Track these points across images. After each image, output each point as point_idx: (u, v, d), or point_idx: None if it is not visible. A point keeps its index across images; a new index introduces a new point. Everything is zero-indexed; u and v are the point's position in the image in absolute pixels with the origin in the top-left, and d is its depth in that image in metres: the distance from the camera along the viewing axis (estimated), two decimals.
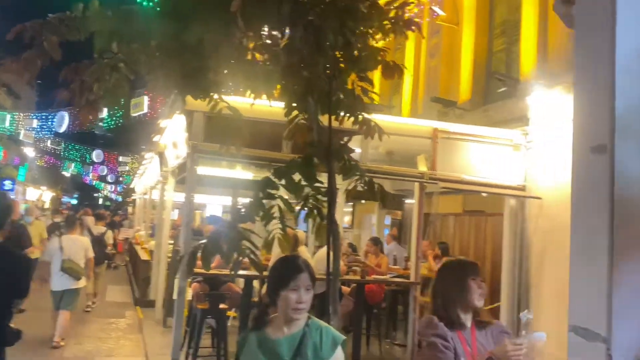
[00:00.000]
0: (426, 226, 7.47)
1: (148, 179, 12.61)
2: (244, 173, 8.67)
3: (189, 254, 3.17)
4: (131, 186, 23.62)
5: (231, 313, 6.52)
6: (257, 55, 3.43)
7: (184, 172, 7.15)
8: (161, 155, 9.47)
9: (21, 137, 25.79)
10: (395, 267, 8.12)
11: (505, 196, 6.97)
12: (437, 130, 6.80)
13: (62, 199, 46.27)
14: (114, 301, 10.06)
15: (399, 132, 6.45)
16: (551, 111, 6.72)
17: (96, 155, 31.02)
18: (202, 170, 7.37)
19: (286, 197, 3.07)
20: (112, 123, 14.73)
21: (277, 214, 3.18)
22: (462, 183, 6.69)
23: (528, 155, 7.10)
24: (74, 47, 3.37)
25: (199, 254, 2.96)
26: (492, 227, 8.11)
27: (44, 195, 32.85)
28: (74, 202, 55.67)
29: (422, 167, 6.86)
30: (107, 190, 60.93)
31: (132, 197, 33.76)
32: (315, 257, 6.87)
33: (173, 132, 7.09)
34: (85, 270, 7.00)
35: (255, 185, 8.88)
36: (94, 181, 50.84)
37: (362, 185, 3.42)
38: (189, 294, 6.27)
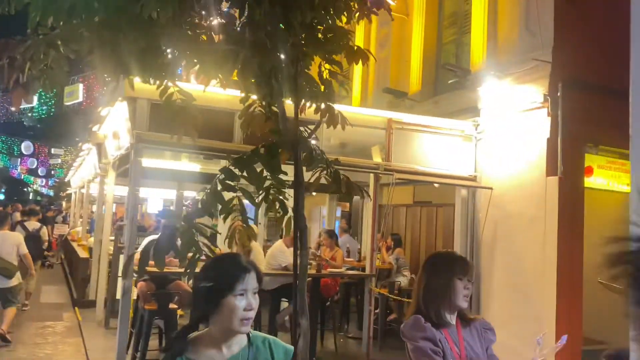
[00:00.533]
0: (380, 218, 7.39)
1: (85, 171, 11.88)
2: (190, 165, 8.30)
3: (142, 252, 2.88)
4: (65, 180, 22.38)
5: (180, 312, 6.18)
6: (214, 36, 3.17)
7: (125, 164, 6.71)
8: (100, 147, 8.90)
9: None
10: (349, 259, 8.02)
11: (458, 186, 7.00)
12: (392, 121, 6.73)
13: None
14: (49, 302, 9.40)
15: (353, 122, 6.31)
16: (501, 102, 6.80)
17: (25, 147, 29.12)
18: (146, 162, 6.96)
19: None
20: (44, 112, 13.73)
21: (236, 207, 2.98)
22: (417, 174, 6.66)
23: (479, 145, 7.16)
24: (2, 22, 2.98)
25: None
26: (442, 218, 8.18)
27: None
28: (1, 197, 52.32)
29: (377, 158, 6.77)
30: (38, 184, 57.56)
31: (67, 192, 32.09)
32: (269, 251, 6.65)
33: (114, 121, 6.63)
34: (17, 268, 6.73)
35: (205, 177, 8.62)
36: (23, 175, 47.88)
37: (326, 176, 3.25)
38: (134, 294, 5.89)
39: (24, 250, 6.95)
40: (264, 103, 3.15)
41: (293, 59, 2.73)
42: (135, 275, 5.41)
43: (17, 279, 6.78)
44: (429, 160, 6.89)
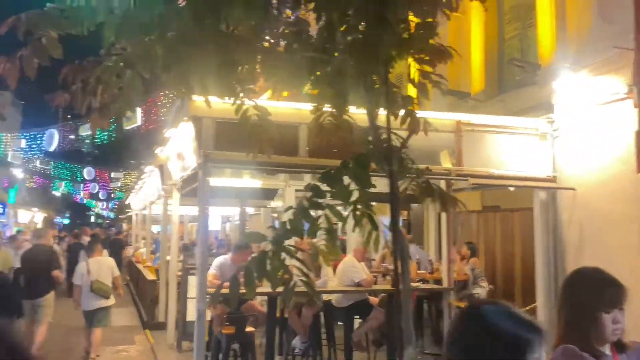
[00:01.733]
0: (455, 226, 7.04)
1: (146, 193, 12.08)
2: (252, 181, 8.21)
3: (232, 279, 2.69)
4: (126, 202, 23.06)
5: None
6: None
7: (190, 184, 6.67)
8: (162, 168, 8.97)
9: (9, 159, 25.13)
10: (421, 271, 7.67)
11: (537, 189, 6.55)
12: (461, 123, 6.38)
13: (54, 220, 45.44)
14: (120, 325, 9.51)
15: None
16: (578, 96, 6.33)
17: (87, 172, 30.28)
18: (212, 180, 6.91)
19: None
20: (105, 138, 14.16)
21: (324, 225, 2.77)
22: (493, 178, 6.27)
23: (555, 143, 6.70)
24: (73, 44, 2.90)
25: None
26: (519, 223, 7.70)
27: (36, 216, 32.11)
28: (66, 221, 54.77)
29: (447, 163, 6.43)
30: (99, 207, 59.97)
31: (127, 214, 33.14)
32: (339, 267, 6.41)
33: (177, 143, 6.61)
34: (112, 289, 7.32)
35: (267, 193, 8.41)
36: (85, 199, 49.93)
37: (414, 186, 2.99)
38: (208, 316, 5.78)
39: (117, 272, 7.49)
40: (334, 112, 2.96)
41: (385, 61, 2.50)
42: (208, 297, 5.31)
43: (112, 300, 7.31)
44: (503, 162, 6.48)
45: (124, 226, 34.82)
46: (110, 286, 7.21)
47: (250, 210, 14.87)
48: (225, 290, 5.92)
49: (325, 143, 3.22)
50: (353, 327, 6.41)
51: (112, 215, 61.90)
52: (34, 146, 17.67)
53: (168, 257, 9.04)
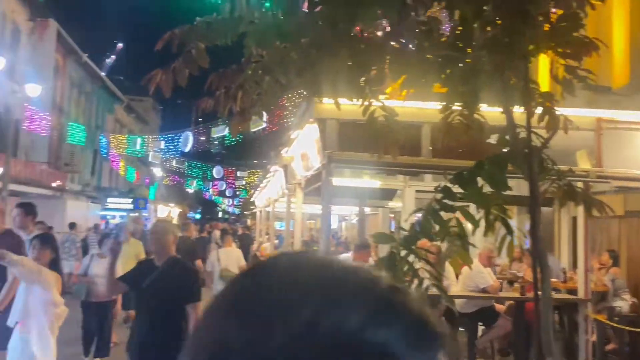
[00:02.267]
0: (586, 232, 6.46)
1: (271, 191, 12.67)
2: (371, 181, 8.25)
3: None
4: (250, 199, 24.37)
5: None
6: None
7: (313, 183, 6.87)
8: (286, 168, 9.35)
9: (150, 159, 27.82)
10: (553, 280, 7.15)
11: None
12: (602, 120, 5.84)
13: (187, 214, 49.46)
14: None
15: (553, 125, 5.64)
16: None
17: (216, 171, 32.59)
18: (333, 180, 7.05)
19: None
20: (233, 140, 15.15)
21: (454, 228, 2.69)
22: (638, 180, 5.67)
23: None
24: (215, 54, 3.13)
25: None
26: None
27: (173, 211, 35.24)
28: (198, 216, 59.32)
29: (584, 164, 5.93)
30: (225, 204, 64.08)
31: (252, 210, 35.02)
32: (463, 271, 6.20)
33: (302, 144, 6.85)
34: None
35: (386, 193, 8.39)
36: (214, 196, 53.65)
37: (555, 189, 2.80)
38: None
39: (243, 262, 8.27)
40: (464, 111, 2.87)
41: (524, 56, 2.38)
42: None
43: None
44: None
45: (248, 221, 36.88)
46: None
47: (366, 210, 14.93)
48: None
49: (454, 143, 3.14)
50: (477, 334, 6.17)
51: (237, 211, 65.82)
52: (171, 147, 19.40)
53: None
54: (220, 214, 72.48)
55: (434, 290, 2.58)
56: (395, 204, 9.85)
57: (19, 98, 14.65)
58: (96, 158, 27.07)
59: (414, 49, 2.91)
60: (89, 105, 27.68)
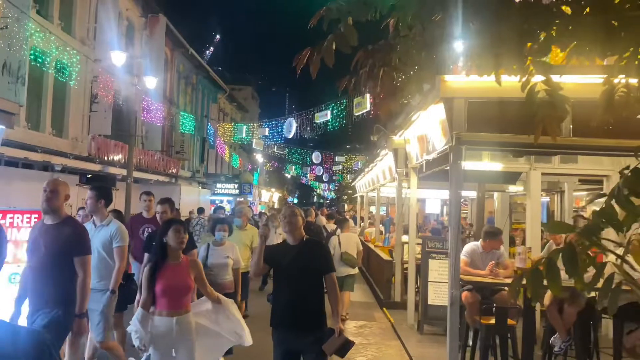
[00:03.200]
0: None
1: (375, 176, 12.48)
2: (492, 164, 7.74)
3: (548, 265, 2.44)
4: (352, 184, 24.36)
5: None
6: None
7: (433, 167, 6.57)
8: (396, 152, 9.10)
9: (253, 146, 28.74)
10: None
11: None
12: None
13: (287, 199, 50.90)
14: (358, 301, 10.05)
15: None
16: None
17: (315, 156, 33.05)
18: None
19: None
20: (337, 125, 15.12)
21: None
22: None
23: None
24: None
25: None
26: None
27: (274, 196, 36.29)
28: (295, 201, 60.74)
29: None
30: (321, 188, 65.05)
31: (350, 195, 35.07)
32: None
33: (421, 126, 6.56)
34: (357, 260, 8.59)
35: (508, 176, 7.79)
36: (310, 181, 54.61)
37: None
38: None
39: (360, 247, 8.82)
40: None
41: None
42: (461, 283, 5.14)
43: (356, 269, 8.68)
44: None
45: (345, 206, 37.10)
46: (355, 257, 8.46)
47: (469, 194, 14.34)
48: (475, 279, 5.62)
49: (611, 120, 2.74)
50: (623, 330, 5.57)
51: (331, 195, 66.56)
52: (275, 134, 19.81)
53: (405, 238, 9.17)
54: (315, 198, 73.63)
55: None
56: (516, 188, 9.25)
57: (137, 90, 15.60)
58: (204, 146, 28.46)
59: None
60: (195, 96, 29.07)
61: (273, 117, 20.44)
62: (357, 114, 13.32)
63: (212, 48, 54.29)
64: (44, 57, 13.24)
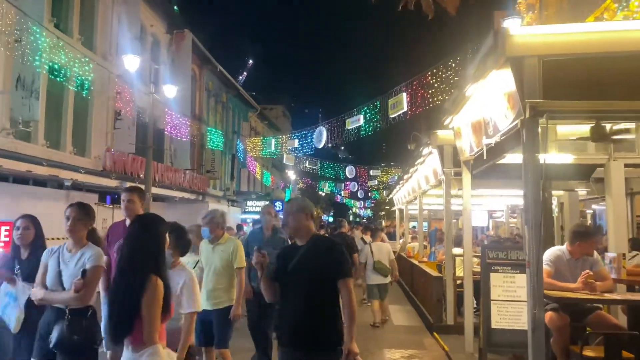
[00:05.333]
0: None
1: (419, 182, 11.20)
2: (558, 156, 6.39)
3: None
4: (389, 197, 23.05)
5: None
6: None
7: (494, 155, 5.32)
8: (442, 149, 7.87)
9: (284, 161, 27.87)
10: None
11: None
12: None
13: (321, 217, 49.72)
14: (403, 325, 8.74)
15: None
16: None
17: (349, 170, 31.84)
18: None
19: None
20: (370, 129, 13.93)
21: None
22: None
23: None
24: None
25: None
26: None
27: None
28: (330, 219, 59.50)
29: None
30: (357, 206, 63.65)
31: (387, 209, 33.53)
32: None
33: (475, 107, 5.35)
34: (390, 270, 8.82)
35: (582, 170, 6.19)
36: (345, 198, 53.35)
37: None
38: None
39: (392, 256, 9.08)
40: None
41: None
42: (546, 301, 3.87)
43: (389, 278, 8.91)
44: None
45: (383, 222, 35.64)
46: (388, 267, 8.75)
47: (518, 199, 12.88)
48: (565, 294, 4.25)
49: None
50: None
51: (368, 213, 65.01)
52: (304, 145, 18.76)
53: (457, 251, 7.88)
54: (351, 217, 72.32)
55: None
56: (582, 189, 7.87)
57: (162, 105, 14.98)
58: (234, 163, 27.72)
59: None
60: (226, 113, 28.46)
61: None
62: (392, 116, 12.14)
63: (245, 73, 54.46)
64: (62, 72, 12.63)
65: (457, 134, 6.45)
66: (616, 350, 3.64)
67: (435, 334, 7.53)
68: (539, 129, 3.93)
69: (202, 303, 4.17)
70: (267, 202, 27.50)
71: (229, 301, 4.85)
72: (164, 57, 20.35)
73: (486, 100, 4.91)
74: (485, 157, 4.96)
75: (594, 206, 12.61)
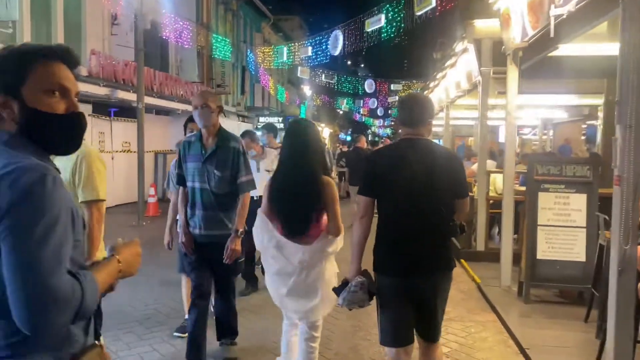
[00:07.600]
0: None
1: (448, 89, 9.83)
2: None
3: None
4: None
5: None
6: None
7: (547, 47, 4.01)
8: (479, 44, 6.49)
9: (299, 74, 26.20)
10: None
11: None
12: None
13: (339, 135, 48.43)
14: None
15: None
16: None
17: (368, 85, 29.94)
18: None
19: None
20: (393, 31, 12.29)
21: None
22: None
23: None
24: None
25: None
26: None
27: (324, 131, 34.01)
28: (348, 138, 58.21)
29: None
30: (376, 125, 61.88)
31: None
32: None
33: None
34: None
35: None
36: (364, 117, 51.63)
37: None
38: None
39: None
40: None
41: None
42: None
43: None
44: None
45: None
46: None
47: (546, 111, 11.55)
48: None
49: None
50: None
51: (387, 132, 63.35)
52: (319, 52, 17.11)
53: (491, 165, 6.74)
54: (370, 137, 70.75)
55: None
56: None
57: (163, 9, 13.50)
58: (244, 76, 26.18)
59: None
60: (236, 23, 26.53)
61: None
62: (419, 13, 10.52)
63: None
64: None
65: (505, 18, 5.05)
66: None
67: (462, 261, 6.54)
68: None
69: None
70: (279, 117, 26.28)
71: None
72: None
73: None
74: (552, 34, 3.64)
75: None
